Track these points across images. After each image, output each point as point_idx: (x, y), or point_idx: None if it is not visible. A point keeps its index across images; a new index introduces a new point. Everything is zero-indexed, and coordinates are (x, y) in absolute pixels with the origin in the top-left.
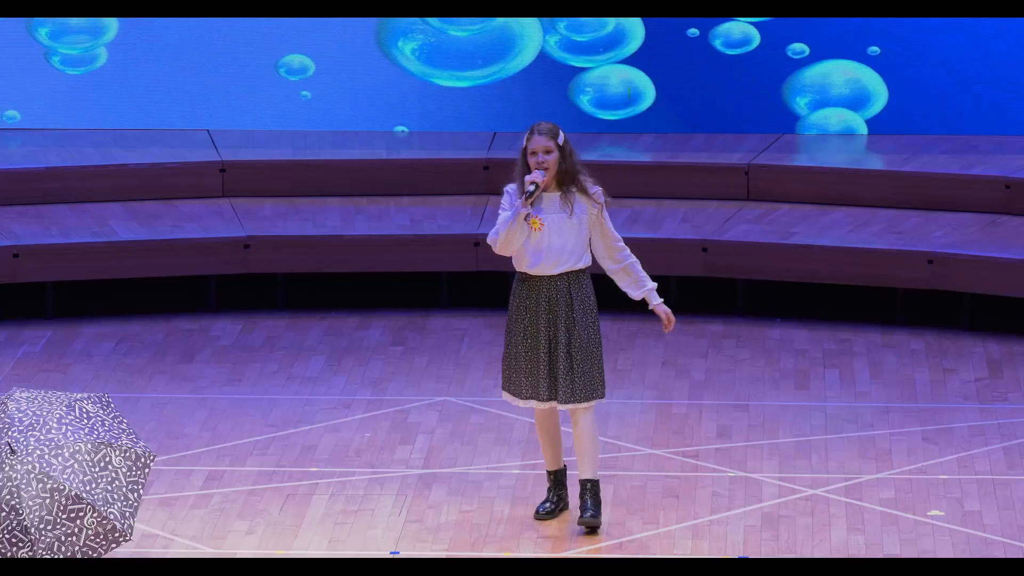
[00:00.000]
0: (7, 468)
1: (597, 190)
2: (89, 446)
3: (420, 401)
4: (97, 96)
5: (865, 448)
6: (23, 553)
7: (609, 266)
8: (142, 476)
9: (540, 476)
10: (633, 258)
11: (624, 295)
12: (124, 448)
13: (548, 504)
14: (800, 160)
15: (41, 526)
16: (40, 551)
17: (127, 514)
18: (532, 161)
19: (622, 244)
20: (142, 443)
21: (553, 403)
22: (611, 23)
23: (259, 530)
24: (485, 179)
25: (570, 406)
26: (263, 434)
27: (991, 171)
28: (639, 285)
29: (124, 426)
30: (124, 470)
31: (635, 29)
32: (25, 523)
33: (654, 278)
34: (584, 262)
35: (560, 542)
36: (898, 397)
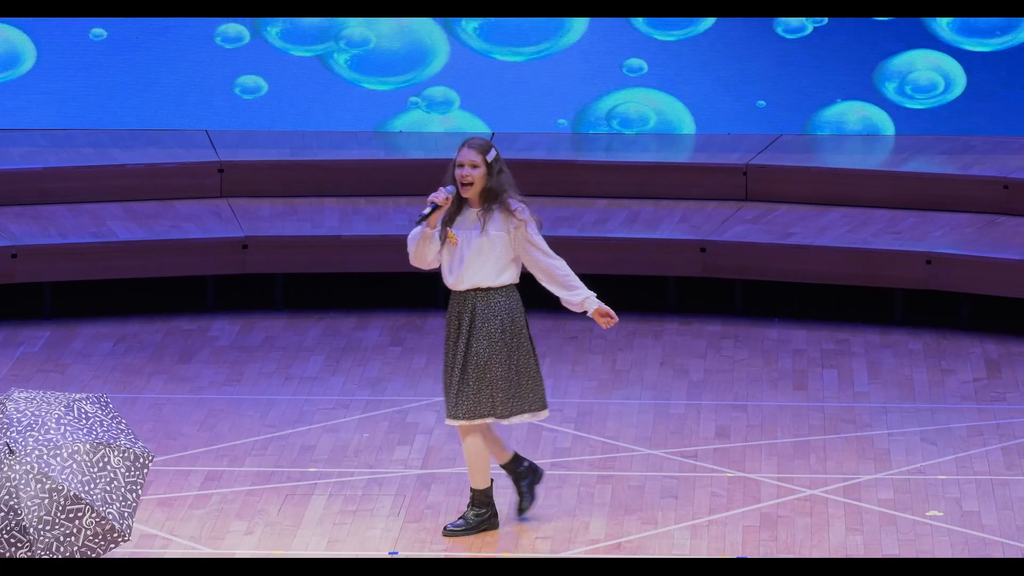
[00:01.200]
0: (5, 468)
1: (520, 207)
2: (88, 446)
3: (418, 401)
4: (94, 96)
5: (864, 448)
6: (22, 553)
7: (544, 282)
8: (141, 476)
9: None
10: (566, 269)
11: (618, 297)
12: (123, 448)
13: (462, 521)
14: (798, 160)
15: (40, 526)
16: (39, 551)
17: (126, 514)
18: (457, 173)
19: (554, 255)
20: (140, 443)
21: (456, 421)
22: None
23: (257, 530)
24: None
25: (452, 423)
26: (261, 434)
27: (989, 171)
28: (570, 289)
29: (123, 426)
30: (123, 470)
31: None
32: (24, 523)
33: (652, 279)
34: (498, 281)
35: (559, 542)
36: (896, 397)
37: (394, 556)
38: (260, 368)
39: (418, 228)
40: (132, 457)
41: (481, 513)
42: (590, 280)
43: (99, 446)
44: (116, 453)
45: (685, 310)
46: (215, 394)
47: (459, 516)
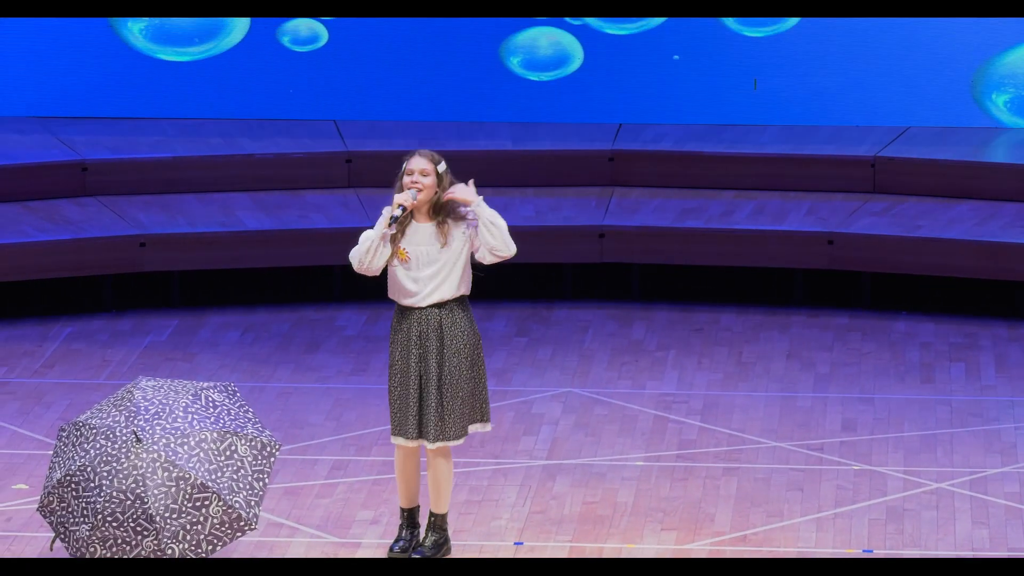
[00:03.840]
0: (133, 457)
1: (469, 211)
2: (215, 435)
3: (544, 392)
4: (223, 85)
5: (991, 442)
6: (148, 541)
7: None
8: (267, 465)
9: (664, 468)
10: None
11: (745, 289)
12: (249, 437)
13: (402, 542)
14: (927, 153)
15: (166, 514)
16: (165, 539)
17: (252, 503)
18: (407, 181)
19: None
20: (267, 432)
21: (422, 442)
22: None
23: (383, 519)
24: (610, 170)
25: (439, 444)
26: (388, 424)
27: None
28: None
29: (249, 415)
30: (249, 459)
31: None
32: (150, 511)
33: (779, 271)
34: (457, 293)
35: (684, 534)
36: None
37: (519, 547)
38: (387, 358)
39: (375, 231)
40: (259, 446)
41: (440, 538)
42: (717, 272)
43: (226, 435)
44: (243, 442)
45: (812, 303)
46: (342, 384)
47: (421, 542)
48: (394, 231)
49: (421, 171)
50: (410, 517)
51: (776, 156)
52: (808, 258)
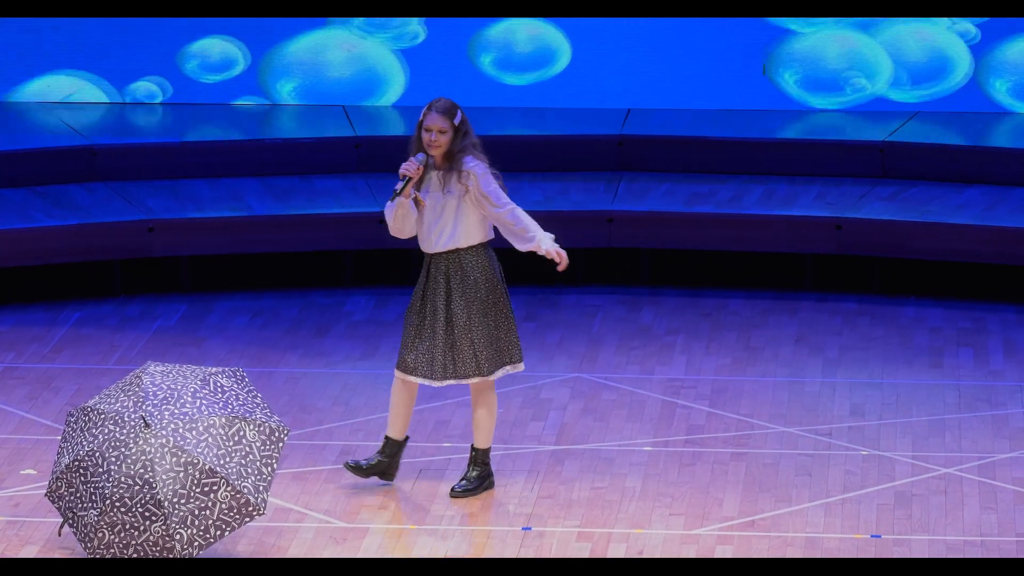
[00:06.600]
0: (141, 442)
1: (474, 164)
2: (223, 420)
3: (552, 377)
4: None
5: (999, 427)
6: (156, 527)
7: (503, 234)
8: (276, 450)
9: (672, 453)
10: (517, 216)
11: (754, 274)
12: (258, 422)
13: (363, 461)
14: (935, 137)
15: (175, 500)
16: (173, 525)
17: (260, 488)
18: (425, 137)
19: (504, 204)
20: (276, 417)
21: (444, 381)
22: None
23: (392, 505)
24: (619, 155)
25: (448, 382)
26: None
27: None
28: (524, 236)
29: (258, 400)
30: (258, 444)
31: None
32: (159, 497)
33: (788, 256)
34: (469, 240)
35: (692, 519)
36: None
37: (527, 532)
38: (395, 343)
39: (391, 202)
40: (267, 431)
41: (482, 473)
42: (725, 257)
43: (234, 420)
44: (251, 427)
45: (820, 287)
46: (350, 369)
47: (461, 477)
48: (405, 199)
49: (438, 129)
50: (389, 446)
51: (784, 141)
52: (817, 243)
